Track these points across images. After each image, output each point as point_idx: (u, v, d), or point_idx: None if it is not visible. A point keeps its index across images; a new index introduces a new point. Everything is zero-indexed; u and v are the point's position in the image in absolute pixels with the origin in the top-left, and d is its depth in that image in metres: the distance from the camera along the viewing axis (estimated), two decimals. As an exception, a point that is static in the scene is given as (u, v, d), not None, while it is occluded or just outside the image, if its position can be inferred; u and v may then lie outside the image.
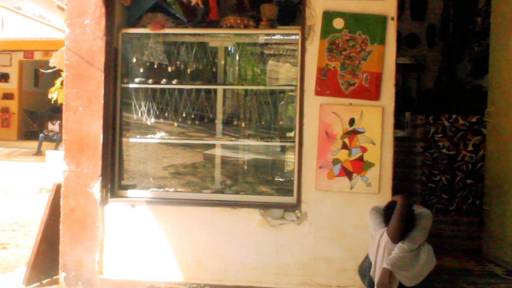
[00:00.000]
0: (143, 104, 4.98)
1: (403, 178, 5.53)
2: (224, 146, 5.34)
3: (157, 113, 5.02)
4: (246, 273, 4.37)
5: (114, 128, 4.62)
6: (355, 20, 4.27)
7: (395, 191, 4.16)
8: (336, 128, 4.28)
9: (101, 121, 4.48)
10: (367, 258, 3.72)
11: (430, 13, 6.86)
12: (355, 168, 4.26)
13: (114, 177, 4.62)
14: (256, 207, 4.40)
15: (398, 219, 3.50)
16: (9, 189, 10.39)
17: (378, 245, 3.56)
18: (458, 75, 6.71)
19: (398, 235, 3.49)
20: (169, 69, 4.92)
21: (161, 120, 5.15)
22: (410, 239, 3.50)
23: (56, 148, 13.68)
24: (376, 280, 3.54)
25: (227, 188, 5.10)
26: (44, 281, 4.64)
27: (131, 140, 4.94)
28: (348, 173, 4.26)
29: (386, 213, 3.63)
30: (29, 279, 4.53)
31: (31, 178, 11.15)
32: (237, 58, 5.32)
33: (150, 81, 4.85)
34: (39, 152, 13.89)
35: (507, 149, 4.80)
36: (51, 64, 5.76)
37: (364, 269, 3.72)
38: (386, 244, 3.51)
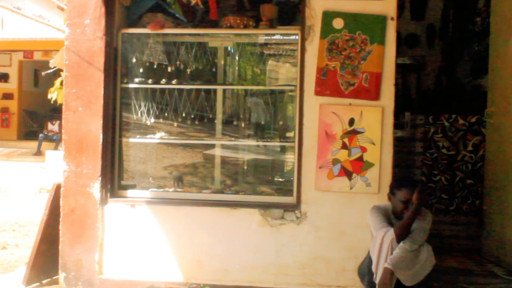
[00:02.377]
0: (143, 104, 4.98)
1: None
2: (224, 146, 5.34)
3: (157, 113, 5.02)
4: (246, 273, 4.37)
5: (114, 128, 4.62)
6: (354, 20, 4.27)
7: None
8: (336, 128, 4.28)
9: (101, 121, 4.48)
10: (366, 258, 3.72)
11: (430, 13, 6.86)
12: (355, 168, 4.26)
13: (114, 177, 4.62)
14: (256, 207, 4.40)
15: (410, 220, 3.51)
16: (9, 189, 10.38)
17: (381, 244, 3.55)
18: (458, 75, 6.71)
19: (406, 235, 3.50)
20: (169, 69, 4.92)
21: (161, 120, 5.15)
22: (411, 239, 3.51)
23: (56, 148, 13.67)
24: (377, 279, 3.54)
25: (227, 188, 5.10)
26: (44, 281, 4.63)
27: (131, 140, 4.94)
28: (348, 173, 4.26)
29: (397, 183, 3.66)
30: (29, 279, 4.52)
31: (31, 178, 11.15)
32: (237, 58, 5.33)
33: (150, 81, 4.85)
34: (39, 152, 13.87)
35: (507, 149, 4.79)
36: (51, 65, 5.76)
37: (363, 270, 3.72)
38: (391, 242, 3.51)
